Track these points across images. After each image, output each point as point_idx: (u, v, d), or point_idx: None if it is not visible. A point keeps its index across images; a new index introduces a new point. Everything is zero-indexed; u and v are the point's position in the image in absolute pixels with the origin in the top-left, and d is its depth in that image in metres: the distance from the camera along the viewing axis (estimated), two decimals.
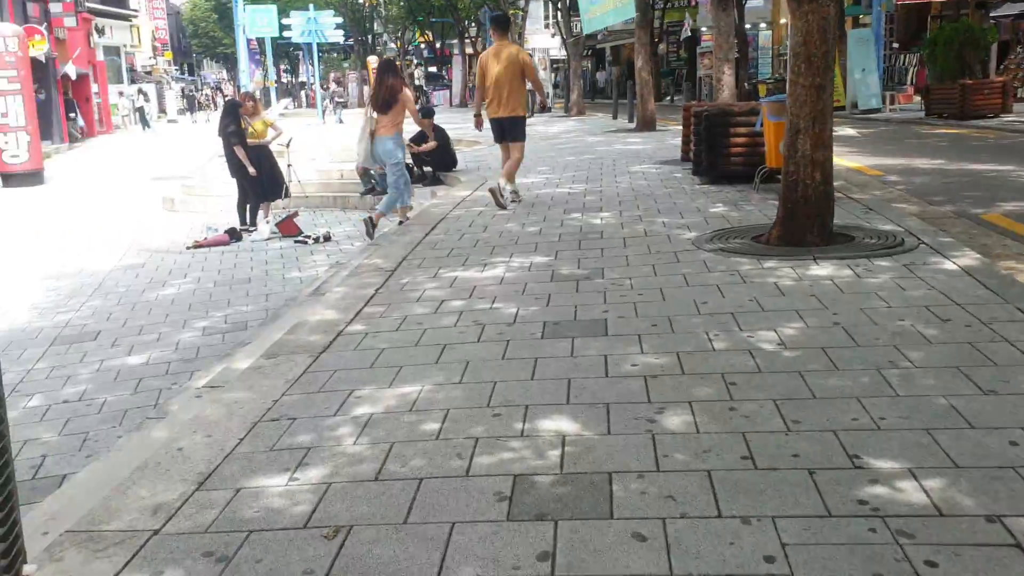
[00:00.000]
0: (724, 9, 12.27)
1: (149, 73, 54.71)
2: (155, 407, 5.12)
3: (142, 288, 8.99)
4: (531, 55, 14.23)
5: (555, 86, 44.31)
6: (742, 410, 3.51)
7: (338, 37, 30.61)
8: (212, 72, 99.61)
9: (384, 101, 9.06)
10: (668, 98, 37.54)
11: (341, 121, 30.65)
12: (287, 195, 12.53)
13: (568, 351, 4.36)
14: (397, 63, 11.67)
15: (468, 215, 8.79)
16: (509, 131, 9.34)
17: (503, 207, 8.92)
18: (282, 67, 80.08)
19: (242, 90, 18.70)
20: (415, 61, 67.40)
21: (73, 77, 30.15)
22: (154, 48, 56.82)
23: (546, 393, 3.82)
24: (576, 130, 20.52)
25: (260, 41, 37.73)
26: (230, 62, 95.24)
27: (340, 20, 30.51)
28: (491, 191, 9.08)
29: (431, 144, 13.09)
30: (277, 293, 8.31)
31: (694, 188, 9.51)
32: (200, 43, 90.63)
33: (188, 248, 11.14)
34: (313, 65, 33.16)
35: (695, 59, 39.03)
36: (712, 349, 4.26)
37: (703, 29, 36.63)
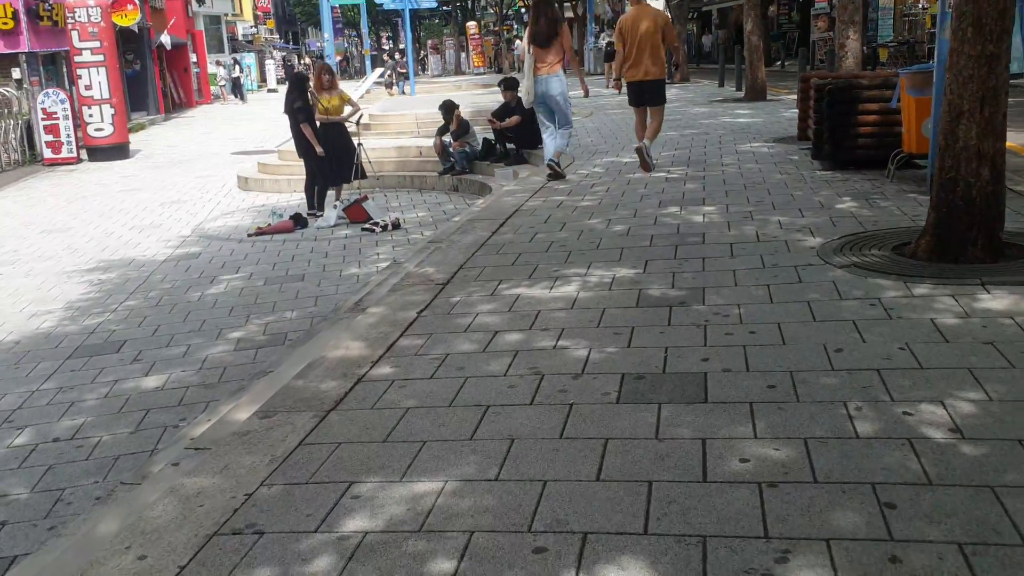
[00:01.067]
0: None
1: (250, 42, 54.95)
2: (143, 462, 4.17)
3: (188, 285, 8.15)
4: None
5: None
6: (910, 563, 2.29)
7: (432, 2, 29.56)
8: (316, 40, 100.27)
9: (546, 36, 8.82)
10: (779, 63, 35.17)
11: (404, 92, 29.85)
12: (361, 176, 11.55)
13: (652, 428, 3.18)
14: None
15: (546, 207, 7.61)
16: (650, 95, 9.21)
17: (650, 168, 8.92)
18: (385, 35, 79.82)
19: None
20: (514, 26, 66.11)
21: (168, 47, 29.99)
22: (255, 17, 56.97)
23: (616, 510, 2.66)
24: (679, 99, 18.97)
25: (351, 7, 37.02)
26: (338, 33, 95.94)
27: None
28: (638, 150, 9.03)
29: (515, 119, 11.91)
30: (328, 296, 7.32)
31: (815, 175, 8.08)
32: (303, 11, 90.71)
33: (249, 235, 10.31)
34: (406, 32, 32.18)
35: (808, 22, 36.51)
36: (855, 435, 3.02)
37: None
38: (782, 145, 10.29)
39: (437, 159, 13.00)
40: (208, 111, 33.61)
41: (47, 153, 18.75)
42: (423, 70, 57.42)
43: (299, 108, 10.89)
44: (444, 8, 55.13)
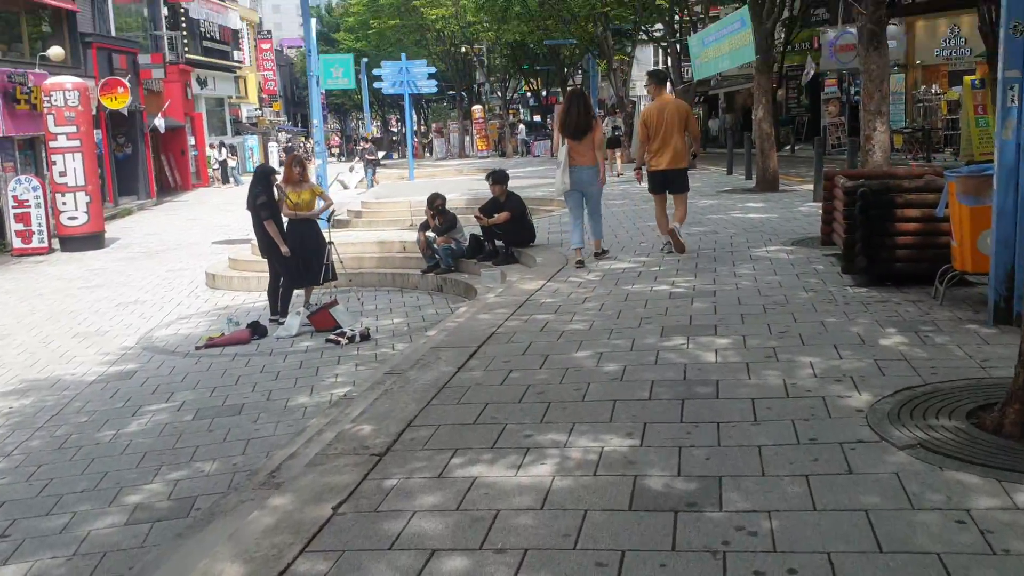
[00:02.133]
0: (876, 48, 9.56)
1: (255, 124, 54.70)
2: None
3: (106, 418, 6.90)
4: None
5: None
6: None
7: (431, 88, 28.93)
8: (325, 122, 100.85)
9: (580, 128, 8.99)
10: (788, 148, 34.40)
11: (373, 185, 28.16)
12: (331, 278, 10.39)
13: None
14: (585, 92, 10.92)
15: (527, 329, 6.38)
16: (675, 182, 9.42)
17: (684, 249, 9.23)
18: (394, 117, 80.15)
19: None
20: (520, 110, 66.04)
21: (162, 130, 29.33)
22: (260, 99, 56.88)
23: None
24: None
25: (356, 91, 36.54)
26: (341, 113, 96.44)
27: (433, 70, 28.83)
28: (671, 232, 9.28)
29: (504, 215, 10.78)
30: (262, 438, 6.06)
31: (847, 293, 6.85)
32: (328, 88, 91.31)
33: (198, 348, 9.09)
34: (406, 116, 31.48)
35: (818, 105, 35.91)
36: None
37: (827, 73, 33.59)
38: (803, 250, 9.10)
39: (421, 255, 11.87)
40: (203, 195, 32.81)
41: (16, 243, 17.73)
42: (428, 153, 57.12)
43: (262, 204, 9.80)
44: (450, 92, 55.01)
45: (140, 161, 28.27)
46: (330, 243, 10.27)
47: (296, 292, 10.27)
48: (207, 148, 36.37)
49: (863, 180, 7.19)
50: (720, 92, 43.12)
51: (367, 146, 28.73)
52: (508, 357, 5.66)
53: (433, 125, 60.36)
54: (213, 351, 8.95)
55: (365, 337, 8.90)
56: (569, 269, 8.96)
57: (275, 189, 10.01)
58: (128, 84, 25.22)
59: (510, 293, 8.01)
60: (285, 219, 10.14)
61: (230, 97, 48.83)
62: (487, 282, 10.13)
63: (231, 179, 35.98)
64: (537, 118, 53.81)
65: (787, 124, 36.34)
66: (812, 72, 31.77)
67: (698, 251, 9.50)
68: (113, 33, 28.16)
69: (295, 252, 9.96)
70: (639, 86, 49.61)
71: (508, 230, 10.79)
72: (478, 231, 11.33)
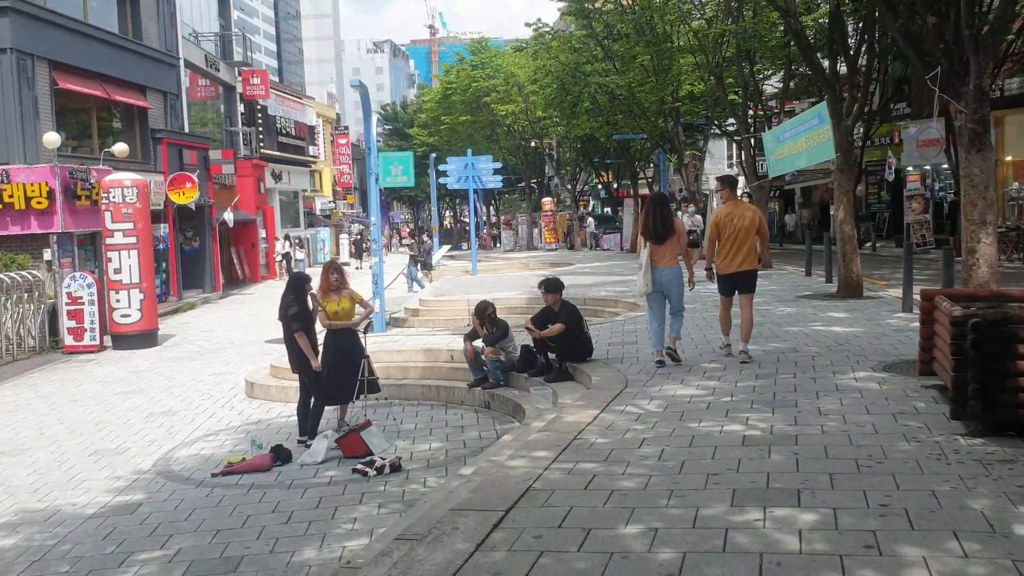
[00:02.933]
0: (979, 150, 8.45)
1: (328, 216, 55.30)
2: None
3: (88, 570, 6.03)
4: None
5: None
6: None
7: (496, 183, 28.51)
8: (400, 213, 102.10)
9: (661, 234, 9.21)
10: (868, 245, 32.93)
11: (415, 286, 26.13)
12: (371, 391, 9.54)
13: None
14: (666, 197, 10.76)
15: (568, 486, 5.34)
16: (744, 284, 9.52)
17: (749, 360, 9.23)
18: (466, 209, 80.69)
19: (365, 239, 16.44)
20: (591, 202, 65.67)
21: (231, 224, 29.41)
22: (335, 192, 57.65)
23: None
24: (762, 291, 16.69)
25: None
26: (415, 204, 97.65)
27: (499, 165, 28.46)
28: (740, 353, 9.33)
29: (557, 327, 9.82)
30: None
31: (958, 446, 5.66)
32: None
33: (214, 475, 8.25)
34: (470, 210, 31.09)
35: (899, 200, 34.51)
36: None
37: (909, 169, 32.26)
38: (898, 379, 7.90)
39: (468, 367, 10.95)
40: (270, 287, 32.69)
41: (68, 340, 17.40)
42: (496, 244, 56.89)
43: (294, 315, 9.06)
44: (519, 184, 54.94)
45: (207, 255, 28.26)
46: (366, 356, 9.43)
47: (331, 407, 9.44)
48: (284, 240, 36.50)
49: (974, 307, 6.05)
50: (796, 187, 41.98)
51: (411, 241, 27.80)
52: (540, 530, 4.62)
53: (502, 217, 60.24)
54: (230, 479, 8.09)
55: (396, 468, 7.95)
56: (627, 396, 7.93)
57: (309, 298, 9.27)
58: (196, 179, 25.30)
59: (556, 426, 6.98)
60: (322, 331, 9.40)
61: (304, 190, 49.53)
62: (537, 402, 9.15)
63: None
64: (608, 211, 53.26)
65: (867, 220, 34.95)
66: (893, 168, 30.52)
67: (776, 374, 8.38)
68: (187, 129, 28.54)
69: (331, 366, 9.17)
70: (712, 179, 48.83)
71: (562, 343, 9.82)
72: (531, 341, 10.40)
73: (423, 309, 19.37)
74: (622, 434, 6.54)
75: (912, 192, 29.15)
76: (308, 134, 47.55)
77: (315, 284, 9.52)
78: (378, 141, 74.51)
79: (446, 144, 51.58)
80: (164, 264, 25.39)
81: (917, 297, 13.49)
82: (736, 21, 21.81)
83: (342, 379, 9.29)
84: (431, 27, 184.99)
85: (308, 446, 8.81)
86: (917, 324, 11.09)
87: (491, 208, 75.74)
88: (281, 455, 8.54)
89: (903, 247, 27.77)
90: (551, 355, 10.03)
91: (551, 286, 10.09)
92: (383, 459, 8.09)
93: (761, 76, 29.11)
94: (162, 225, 25.34)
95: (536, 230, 50.43)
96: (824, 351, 9.56)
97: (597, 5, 29.57)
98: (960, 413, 6.00)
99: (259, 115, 38.87)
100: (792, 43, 23.26)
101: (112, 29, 24.01)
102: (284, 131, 42.74)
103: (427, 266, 26.42)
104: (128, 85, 24.04)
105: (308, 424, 9.13)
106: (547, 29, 31.18)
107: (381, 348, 12.00)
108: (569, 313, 9.91)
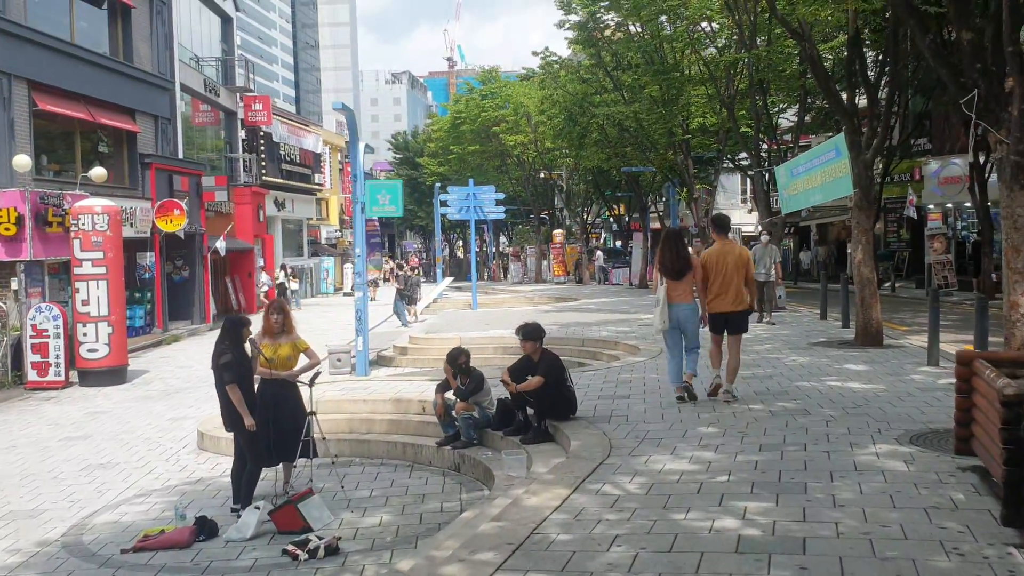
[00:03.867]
0: (1023, 187, 7.28)
1: (333, 246, 54.38)
2: None
3: None
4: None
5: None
6: None
7: (499, 214, 27.43)
8: (413, 242, 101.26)
9: (678, 270, 9.26)
10: (887, 285, 31.63)
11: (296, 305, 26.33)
12: (310, 456, 8.39)
13: None
14: (681, 233, 11.05)
15: None
16: (734, 324, 9.52)
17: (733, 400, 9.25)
18: (480, 239, 79.74)
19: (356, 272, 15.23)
20: (603, 235, 64.52)
21: (223, 253, 28.39)
22: (341, 220, 56.72)
23: None
24: (774, 337, 15.54)
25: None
26: (426, 234, 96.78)
27: (501, 196, 27.39)
28: (720, 391, 9.34)
29: (535, 380, 8.64)
30: None
31: (1014, 567, 4.42)
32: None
33: (124, 552, 7.07)
34: (470, 242, 29.97)
35: (919, 240, 33.23)
36: None
37: (929, 207, 31.04)
38: (928, 455, 6.66)
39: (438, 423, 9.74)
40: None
41: (32, 375, 16.32)
42: (505, 276, 55.80)
43: (226, 364, 7.92)
44: (530, 215, 53.87)
45: (197, 284, 27.22)
46: (311, 413, 8.27)
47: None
48: (260, 272, 35.34)
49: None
50: (812, 223, 40.71)
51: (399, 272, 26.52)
52: None
53: (510, 249, 59.17)
54: (141, 557, 6.91)
55: (332, 551, 6.74)
56: (607, 469, 6.74)
57: (248, 344, 8.14)
58: (185, 207, 24.33)
59: (515, 513, 5.77)
60: (258, 379, 8.27)
61: (310, 219, 48.67)
62: (509, 469, 7.94)
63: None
64: (619, 244, 52.08)
65: (886, 260, 33.60)
66: (914, 206, 29.25)
67: (783, 444, 7.16)
68: (180, 154, 27.65)
69: (263, 422, 8.02)
70: (730, 214, 47.54)
71: (541, 399, 8.62)
72: (509, 394, 9.20)
73: (412, 347, 18.22)
74: (591, 527, 5.33)
75: (933, 231, 27.87)
76: (314, 161, 46.73)
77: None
78: (390, 170, 73.73)
79: (455, 174, 50.73)
80: (149, 294, 24.39)
81: (944, 348, 12.33)
82: (749, 49, 20.74)
83: (277, 437, 8.15)
84: (450, 59, 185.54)
85: (239, 516, 7.63)
86: (945, 382, 9.89)
87: (500, 239, 74.80)
88: (205, 528, 7.36)
89: (927, 291, 26.62)
90: (531, 410, 8.84)
91: (529, 333, 8.91)
92: (319, 539, 6.89)
93: (775, 109, 28.04)
94: (148, 253, 24.35)
95: (545, 262, 49.30)
96: (840, 414, 8.32)
97: (607, 34, 28.63)
98: (1015, 518, 4.75)
99: (262, 142, 38.05)
100: (808, 73, 22.23)
101: (101, 50, 23.18)
102: (288, 158, 41.91)
103: (411, 300, 25.15)
104: (116, 108, 23.15)
105: (243, 491, 7.95)
106: (555, 58, 30.27)
107: (346, 396, 10.84)
108: (550, 364, 8.72)
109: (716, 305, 9.43)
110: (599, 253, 44.67)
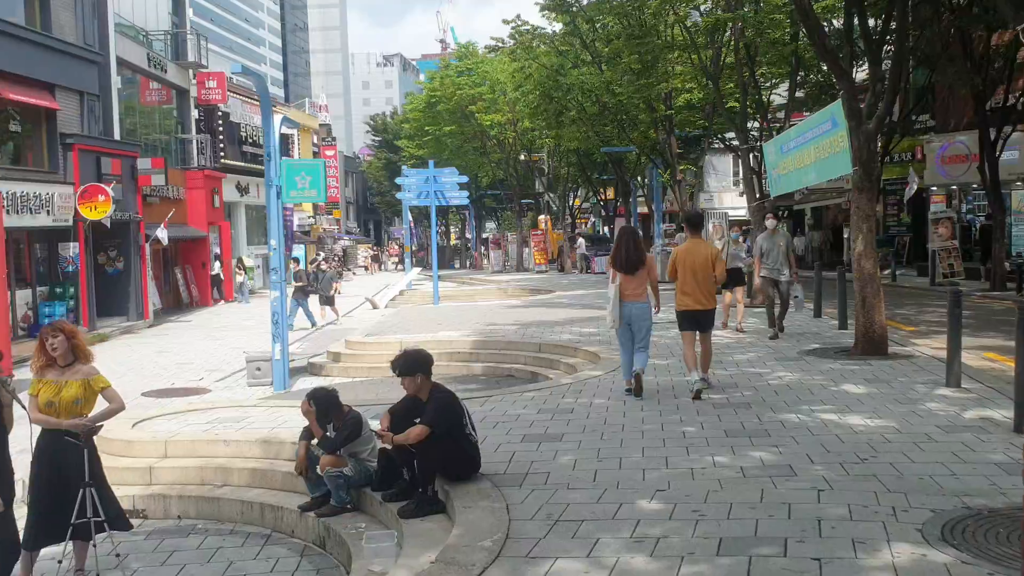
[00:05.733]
0: None
1: (306, 233, 51.94)
2: None
3: None
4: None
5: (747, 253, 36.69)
6: None
7: (462, 199, 25.02)
8: (400, 229, 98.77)
9: (632, 264, 9.19)
10: (887, 272, 29.28)
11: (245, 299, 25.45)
12: (119, 527, 6.09)
13: None
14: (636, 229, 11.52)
15: None
16: (705, 321, 9.58)
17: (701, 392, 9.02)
18: (455, 227, 77.04)
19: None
20: (592, 220, 62.09)
21: (164, 243, 25.96)
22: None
23: None
24: (755, 341, 13.24)
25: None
26: (413, 221, 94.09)
27: (464, 179, 24.95)
28: (697, 393, 8.98)
29: (416, 432, 6.28)
30: None
31: None
32: (383, 201, 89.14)
33: None
34: (432, 227, 27.50)
35: (921, 224, 30.95)
36: None
37: (933, 188, 28.74)
38: (981, 567, 4.34)
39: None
40: (217, 313, 29.28)
41: None
42: (486, 263, 53.45)
43: None
44: (522, 200, 51.39)
45: (133, 278, 24.80)
46: (88, 484, 5.94)
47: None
48: (214, 260, 32.91)
49: None
50: (807, 207, 38.35)
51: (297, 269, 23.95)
52: None
53: (490, 236, 56.75)
54: None
55: None
56: (504, 561, 4.42)
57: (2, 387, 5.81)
58: (111, 192, 21.91)
59: None
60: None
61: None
62: (372, 558, 5.63)
63: (241, 296, 32.40)
64: (607, 230, 49.73)
65: (886, 245, 31.23)
66: (915, 187, 26.88)
67: (754, 538, 4.85)
68: (118, 135, 25.20)
69: (37, 488, 5.73)
70: (721, 197, 45.18)
71: (427, 455, 6.28)
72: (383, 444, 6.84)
73: (347, 353, 15.89)
74: None
75: (938, 216, 25.55)
76: (281, 143, 44.29)
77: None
78: (369, 154, 70.99)
79: (433, 156, 48.30)
80: (72, 289, 22.00)
81: (966, 362, 10.05)
82: (734, 10, 18.33)
83: (60, 507, 5.87)
84: (442, 41, 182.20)
85: None
86: (974, 415, 7.59)
87: (486, 224, 72.34)
88: None
89: (931, 280, 24.31)
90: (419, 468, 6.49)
91: (407, 366, 6.52)
92: None
93: (766, 84, 25.63)
94: (72, 244, 21.97)
95: (527, 250, 46.94)
96: (838, 476, 6.00)
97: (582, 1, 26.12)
98: None
99: (219, 122, 35.56)
100: (800, 37, 19.84)
101: (15, 18, 20.73)
102: (251, 140, 39.41)
103: (327, 300, 22.80)
104: (29, 82, 20.69)
105: None
106: (527, 27, 27.82)
107: (205, 436, 8.50)
108: (440, 408, 6.35)
109: (685, 303, 9.44)
110: (580, 240, 42.27)
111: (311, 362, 16.00)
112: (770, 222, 14.14)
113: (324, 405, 6.81)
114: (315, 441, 6.95)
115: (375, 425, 6.94)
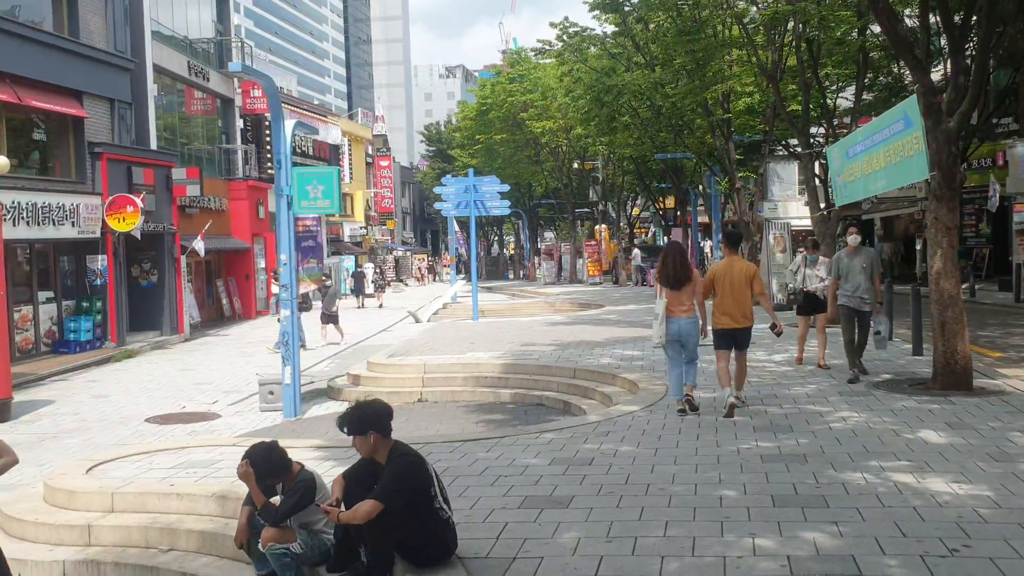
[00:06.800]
0: None
1: (358, 244, 51.23)
2: None
3: None
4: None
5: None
6: None
7: (503, 208, 23.70)
8: (462, 239, 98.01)
9: (677, 280, 9.07)
10: (964, 287, 27.11)
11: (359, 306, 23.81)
12: None
13: None
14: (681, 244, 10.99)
15: None
16: (742, 339, 9.38)
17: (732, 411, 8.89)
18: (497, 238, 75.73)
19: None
20: (651, 229, 60.29)
21: (201, 255, 25.17)
22: (368, 217, 53.53)
23: None
24: (814, 369, 11.67)
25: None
26: (468, 231, 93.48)
27: (506, 188, 23.65)
28: (731, 407, 8.93)
29: (365, 508, 4.91)
30: None
31: None
32: (439, 211, 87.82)
33: None
34: (471, 238, 26.18)
35: (1003, 235, 28.74)
36: None
37: (1017, 197, 26.50)
38: None
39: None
40: (255, 326, 28.45)
41: None
42: (538, 274, 52.06)
43: None
44: (577, 209, 49.96)
45: (167, 290, 24.04)
46: None
47: None
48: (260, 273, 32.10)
49: None
50: (875, 217, 36.17)
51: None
52: None
53: (542, 247, 55.35)
54: None
55: None
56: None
57: None
58: (140, 203, 21.15)
59: None
60: None
61: (329, 216, 45.42)
62: None
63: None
64: (666, 240, 47.96)
65: (962, 258, 29.02)
66: (998, 197, 24.76)
67: None
68: (154, 144, 24.53)
69: None
70: (786, 207, 43.01)
71: (382, 536, 4.94)
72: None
73: (367, 376, 14.69)
74: None
75: (1022, 225, 23.45)
76: (331, 154, 43.58)
77: None
78: (423, 164, 70.23)
79: (485, 165, 47.17)
80: (100, 304, 21.26)
81: None
82: (794, 3, 16.73)
83: None
84: (504, 52, 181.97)
85: None
86: None
87: (544, 234, 70.89)
88: None
89: (1016, 296, 22.24)
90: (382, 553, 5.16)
91: (354, 424, 5.12)
92: None
93: (831, 88, 23.85)
94: (100, 256, 21.27)
95: (580, 261, 45.43)
96: (916, 550, 4.52)
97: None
98: None
99: (266, 132, 34.95)
100: (867, 31, 18.15)
101: (43, 24, 20.13)
102: (299, 150, 38.80)
103: (331, 318, 21.39)
104: (55, 89, 20.05)
105: None
106: (576, 29, 26.45)
107: (158, 487, 7.29)
108: (398, 476, 4.99)
109: (722, 321, 9.27)
110: (636, 251, 40.62)
111: (331, 385, 14.84)
112: (852, 237, 11.27)
113: (265, 465, 5.52)
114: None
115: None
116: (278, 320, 12.86)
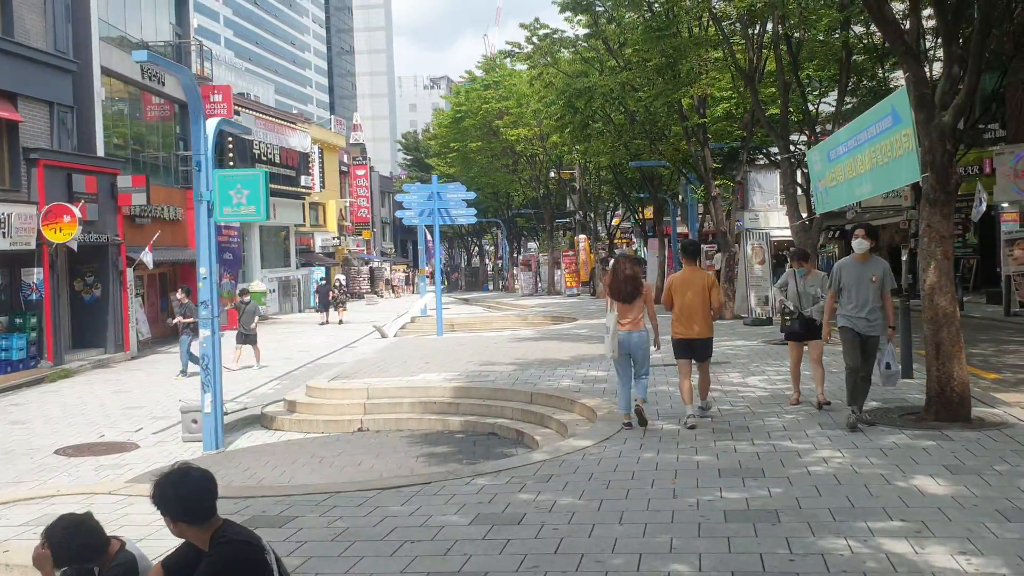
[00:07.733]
0: None
1: (331, 255, 49.86)
2: None
3: None
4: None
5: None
6: None
7: (469, 218, 22.45)
8: (442, 250, 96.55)
9: (628, 293, 9.03)
10: None
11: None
12: None
13: None
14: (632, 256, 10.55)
15: None
16: (701, 351, 9.36)
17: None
18: (484, 243, 74.38)
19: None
20: (633, 240, 59.20)
21: (150, 267, 23.75)
22: (341, 227, 52.15)
23: None
24: (778, 411, 10.20)
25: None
26: (451, 240, 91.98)
27: (472, 195, 22.43)
28: (691, 420, 8.93)
29: None
30: None
31: None
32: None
33: None
34: (435, 247, 24.81)
35: (990, 245, 27.74)
36: None
37: (1004, 205, 25.47)
38: None
39: None
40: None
41: None
42: (516, 285, 50.82)
43: None
44: (556, 219, 48.75)
45: (112, 305, 22.60)
46: None
47: None
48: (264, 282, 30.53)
49: None
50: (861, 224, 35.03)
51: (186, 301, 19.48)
52: None
53: (520, 257, 54.18)
54: None
55: None
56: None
57: None
58: (78, 212, 19.77)
59: None
60: None
61: (299, 225, 43.98)
62: None
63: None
64: (646, 251, 46.79)
65: None
66: (984, 206, 23.70)
67: None
68: (102, 151, 23.15)
69: None
70: (767, 217, 41.90)
71: None
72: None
73: (304, 402, 13.37)
74: None
75: (1013, 236, 22.42)
76: (300, 162, 42.16)
77: None
78: (402, 173, 68.89)
79: (462, 175, 45.94)
80: (35, 320, 19.84)
81: None
82: None
83: None
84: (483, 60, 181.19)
85: None
86: None
87: (527, 244, 69.69)
88: None
89: (1005, 310, 21.15)
90: None
91: (175, 504, 3.81)
92: None
93: (813, 92, 22.75)
94: (35, 270, 19.87)
95: (559, 271, 44.24)
96: None
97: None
98: None
99: (229, 139, 33.67)
100: (849, 26, 17.02)
101: None
102: (265, 158, 37.42)
103: (248, 338, 19.57)
104: None
105: None
106: (547, 31, 25.26)
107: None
108: (217, 569, 3.71)
109: (680, 331, 9.29)
110: (613, 262, 39.43)
111: (265, 412, 13.50)
112: (859, 242, 8.91)
113: (67, 549, 4.19)
114: None
115: None
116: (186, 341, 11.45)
